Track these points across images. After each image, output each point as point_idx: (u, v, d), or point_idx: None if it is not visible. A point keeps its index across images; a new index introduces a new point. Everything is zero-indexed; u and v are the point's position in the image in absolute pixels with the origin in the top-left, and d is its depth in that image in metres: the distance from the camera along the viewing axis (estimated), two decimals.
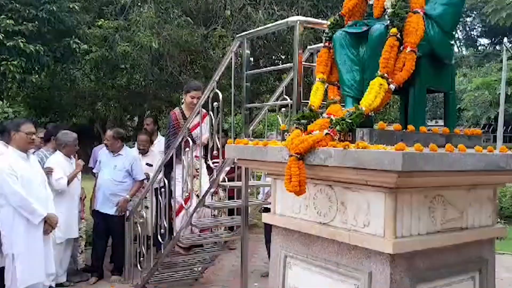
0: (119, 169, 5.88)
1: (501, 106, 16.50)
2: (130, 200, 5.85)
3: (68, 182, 5.44)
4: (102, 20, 6.77)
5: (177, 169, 4.92)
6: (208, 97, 4.44)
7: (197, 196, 4.82)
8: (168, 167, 5.03)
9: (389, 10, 2.65)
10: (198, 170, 4.92)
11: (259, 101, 9.57)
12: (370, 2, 3.00)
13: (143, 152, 6.42)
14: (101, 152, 6.29)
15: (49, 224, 4.52)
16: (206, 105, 4.54)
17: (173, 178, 4.99)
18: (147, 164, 6.36)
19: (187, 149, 4.79)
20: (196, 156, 4.94)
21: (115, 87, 8.43)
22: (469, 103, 19.08)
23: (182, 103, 5.43)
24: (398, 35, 2.56)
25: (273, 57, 8.41)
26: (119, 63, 7.24)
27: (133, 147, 7.10)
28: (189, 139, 4.77)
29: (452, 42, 2.84)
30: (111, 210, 5.86)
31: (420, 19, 2.58)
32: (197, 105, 4.67)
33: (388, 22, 2.63)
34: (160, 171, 5.20)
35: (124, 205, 5.80)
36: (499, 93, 16.76)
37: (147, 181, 5.88)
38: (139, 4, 6.65)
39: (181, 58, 7.72)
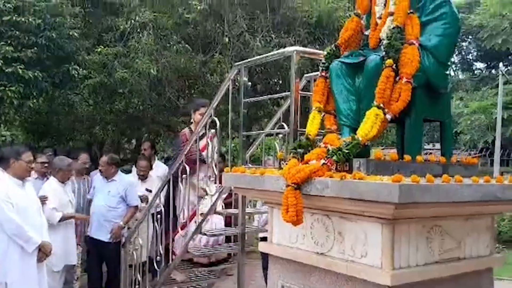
0: (113, 194, 5.83)
1: (498, 130, 16.59)
2: (124, 227, 5.79)
3: (64, 219, 5.39)
4: (102, 46, 6.83)
5: (182, 188, 4.78)
6: (206, 123, 4.45)
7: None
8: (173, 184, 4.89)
9: (385, 41, 2.69)
10: (206, 190, 4.81)
11: (257, 125, 9.61)
12: (366, 33, 3.05)
13: (143, 177, 6.39)
14: (95, 178, 6.26)
15: (43, 252, 4.47)
16: (177, 174, 4.60)
17: (177, 196, 4.88)
18: (146, 189, 6.31)
19: (184, 176, 4.72)
20: (205, 176, 4.83)
21: (113, 112, 8.46)
22: (466, 127, 19.16)
23: (191, 123, 5.28)
24: (394, 66, 2.59)
25: (270, 82, 8.48)
26: (118, 88, 7.28)
27: (131, 170, 7.08)
28: (198, 159, 4.67)
29: (447, 72, 2.87)
30: (105, 237, 5.78)
31: (416, 50, 2.62)
32: (198, 126, 4.60)
33: (384, 53, 2.66)
34: (158, 196, 5.17)
35: (118, 232, 5.74)
36: (496, 117, 16.87)
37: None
38: (138, 30, 6.72)
39: (179, 83, 7.78)
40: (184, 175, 4.58)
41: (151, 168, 6.57)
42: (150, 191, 6.32)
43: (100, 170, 6.17)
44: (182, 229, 4.89)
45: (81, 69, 6.58)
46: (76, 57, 6.77)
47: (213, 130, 4.70)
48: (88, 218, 5.91)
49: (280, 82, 8.34)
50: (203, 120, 4.49)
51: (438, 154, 3.02)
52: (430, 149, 17.20)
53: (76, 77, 6.64)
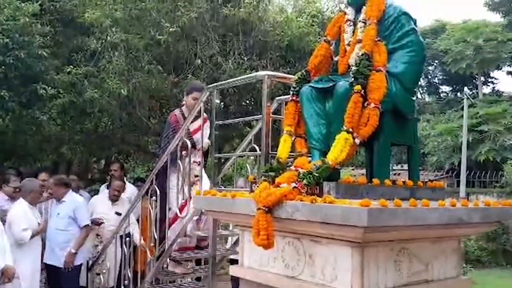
0: (62, 216, 5.57)
1: (463, 152, 17.06)
2: (76, 253, 5.49)
3: (34, 235, 5.21)
4: (71, 66, 6.76)
5: (172, 176, 4.58)
6: (177, 145, 4.43)
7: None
8: (162, 176, 4.63)
9: (353, 68, 2.76)
10: (197, 177, 4.54)
11: (229, 146, 9.62)
12: (335, 59, 3.12)
13: (115, 199, 6.19)
14: (50, 201, 6.02)
15: (5, 275, 4.32)
16: (175, 153, 4.51)
17: (168, 187, 4.60)
18: (116, 213, 6.08)
19: (183, 152, 4.48)
20: (195, 162, 4.61)
21: (82, 131, 8.33)
22: (433, 148, 19.64)
23: (183, 105, 5.01)
24: (362, 92, 2.66)
25: (243, 103, 8.52)
26: (87, 108, 7.18)
27: (98, 190, 6.92)
28: (189, 142, 4.44)
29: (414, 98, 2.96)
30: (58, 262, 5.49)
31: (383, 76, 2.70)
32: (189, 115, 4.42)
33: (353, 79, 2.72)
34: (126, 219, 5.08)
35: (70, 259, 5.43)
36: (462, 140, 17.36)
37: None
38: (109, 50, 6.68)
39: (151, 103, 7.73)
40: (182, 156, 4.43)
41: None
42: (120, 214, 6.15)
43: (50, 193, 5.93)
44: (174, 221, 4.63)
45: (49, 88, 6.47)
46: (45, 77, 6.66)
47: (206, 115, 4.55)
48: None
49: (253, 103, 8.41)
50: (173, 142, 4.45)
51: (406, 174, 3.09)
52: (398, 170, 17.52)
53: (44, 97, 6.52)
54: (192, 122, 4.57)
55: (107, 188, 6.45)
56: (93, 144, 8.88)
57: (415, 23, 2.90)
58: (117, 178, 6.47)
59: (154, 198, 4.67)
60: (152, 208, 4.86)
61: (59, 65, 7.16)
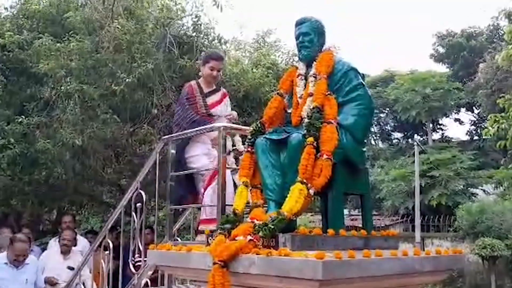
0: (31, 282, 5.12)
1: (417, 197, 17.51)
2: None
3: None
4: (23, 116, 6.59)
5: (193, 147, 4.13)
6: (131, 197, 4.34)
7: None
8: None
9: (306, 120, 2.85)
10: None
11: None
12: (289, 111, 3.21)
13: (66, 251, 5.85)
14: None
15: None
16: (129, 206, 4.41)
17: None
18: (68, 267, 5.74)
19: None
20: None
21: (33, 182, 8.02)
22: (387, 193, 20.08)
23: (199, 77, 4.56)
24: (315, 143, 2.73)
25: None
26: (39, 158, 6.96)
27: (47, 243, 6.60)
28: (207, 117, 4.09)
29: (364, 149, 3.06)
30: None
31: (334, 129, 2.79)
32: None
33: (305, 131, 2.80)
34: (79, 275, 4.86)
35: None
36: (414, 185, 17.85)
37: None
38: (63, 100, 6.57)
39: (106, 153, 7.58)
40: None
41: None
42: (73, 268, 5.83)
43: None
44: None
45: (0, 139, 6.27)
46: None
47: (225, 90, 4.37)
48: None
49: None
50: (127, 194, 4.36)
51: None
52: (355, 215, 17.72)
53: None
54: (210, 95, 4.32)
55: (58, 241, 6.16)
56: (44, 195, 8.55)
57: (362, 78, 3.04)
58: (72, 228, 6.20)
59: (107, 252, 4.51)
60: (104, 262, 4.68)
61: (10, 114, 6.96)
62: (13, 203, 9.12)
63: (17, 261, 4.87)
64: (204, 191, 4.14)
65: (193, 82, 4.52)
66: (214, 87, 4.46)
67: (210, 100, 4.35)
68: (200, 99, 4.31)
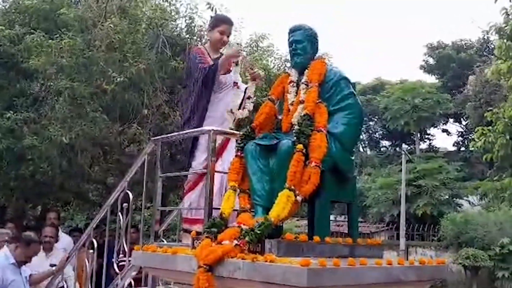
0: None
1: (402, 205, 17.67)
2: None
3: None
4: (11, 112, 6.53)
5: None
6: (118, 197, 4.32)
7: None
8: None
9: (296, 127, 2.87)
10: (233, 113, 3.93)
11: (174, 195, 9.45)
12: (279, 117, 3.23)
13: (48, 247, 5.79)
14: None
15: None
16: (116, 205, 4.40)
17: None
18: (51, 265, 5.69)
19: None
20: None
21: (19, 177, 7.94)
22: (373, 201, 20.22)
23: (205, 43, 4.26)
24: (304, 151, 2.75)
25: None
26: (25, 154, 6.90)
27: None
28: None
29: (353, 158, 3.08)
30: None
31: (323, 137, 2.81)
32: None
33: (295, 137, 2.82)
34: (62, 273, 4.82)
35: None
36: (400, 193, 18.00)
37: None
38: (53, 96, 6.53)
39: (94, 151, 7.54)
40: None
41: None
42: (55, 266, 5.80)
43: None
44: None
45: None
46: None
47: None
48: None
49: None
50: (114, 194, 4.35)
51: None
52: (341, 221, 17.81)
53: None
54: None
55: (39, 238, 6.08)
56: (30, 191, 8.47)
57: (354, 87, 3.07)
58: (54, 224, 6.13)
59: (91, 250, 4.50)
60: (88, 261, 4.66)
61: None
62: None
63: (25, 262, 4.72)
64: (188, 192, 4.18)
65: (201, 46, 4.25)
66: (220, 54, 4.07)
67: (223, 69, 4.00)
68: (210, 60, 3.96)
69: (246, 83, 4.27)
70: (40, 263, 5.60)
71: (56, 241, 5.96)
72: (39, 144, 6.34)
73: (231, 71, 4.12)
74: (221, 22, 4.10)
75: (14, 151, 6.81)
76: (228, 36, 4.10)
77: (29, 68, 6.48)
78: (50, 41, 6.29)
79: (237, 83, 4.13)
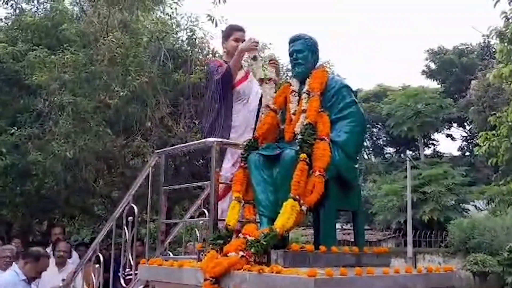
0: None
1: (409, 212, 17.56)
2: None
3: None
4: (15, 128, 6.56)
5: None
6: (123, 210, 4.32)
7: None
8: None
9: (299, 137, 2.86)
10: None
11: (179, 207, 9.44)
12: (282, 127, 3.23)
13: (62, 262, 5.75)
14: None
15: None
16: (121, 219, 4.39)
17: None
18: (63, 280, 5.65)
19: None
20: None
21: (24, 193, 7.96)
22: (379, 208, 20.11)
23: (221, 56, 4.22)
24: (308, 160, 2.75)
25: (195, 163, 8.48)
26: (30, 169, 6.92)
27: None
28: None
29: (356, 166, 3.07)
30: None
31: (327, 145, 2.80)
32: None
33: (298, 147, 2.81)
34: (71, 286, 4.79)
35: None
36: (406, 200, 17.91)
37: None
38: (57, 111, 6.56)
39: (98, 165, 7.55)
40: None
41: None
42: None
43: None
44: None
45: None
46: None
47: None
48: None
49: (205, 164, 8.38)
50: (119, 207, 4.35)
51: None
52: (348, 229, 17.72)
53: None
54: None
55: (52, 254, 6.06)
56: (35, 206, 8.49)
57: (355, 95, 3.07)
58: (61, 240, 6.13)
59: (97, 265, 4.48)
60: (95, 275, 4.64)
61: (2, 125, 6.93)
62: (4, 214, 9.05)
63: (34, 277, 4.63)
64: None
65: (218, 58, 4.27)
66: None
67: (235, 78, 3.99)
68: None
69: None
70: (53, 278, 5.55)
71: (69, 256, 5.93)
72: (44, 160, 6.36)
73: (247, 77, 4.07)
74: (234, 30, 4.15)
75: (19, 167, 6.84)
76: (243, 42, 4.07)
77: (32, 84, 6.52)
78: (52, 57, 6.34)
79: (263, 79, 3.93)
